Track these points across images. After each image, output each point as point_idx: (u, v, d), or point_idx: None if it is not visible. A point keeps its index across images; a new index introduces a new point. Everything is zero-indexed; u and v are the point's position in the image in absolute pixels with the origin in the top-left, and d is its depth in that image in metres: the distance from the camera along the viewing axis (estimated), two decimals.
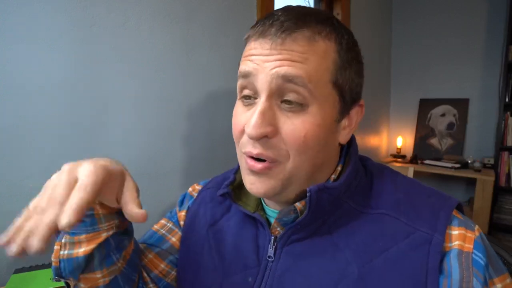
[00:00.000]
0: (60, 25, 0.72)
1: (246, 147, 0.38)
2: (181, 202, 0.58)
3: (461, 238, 0.36)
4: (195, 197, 0.57)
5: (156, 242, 0.54)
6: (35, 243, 0.26)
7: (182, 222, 0.55)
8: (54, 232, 0.27)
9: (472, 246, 0.35)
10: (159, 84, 0.92)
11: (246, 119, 0.37)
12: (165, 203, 0.95)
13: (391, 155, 2.64)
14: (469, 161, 2.23)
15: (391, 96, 2.75)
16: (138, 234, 0.62)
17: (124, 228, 0.44)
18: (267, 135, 0.36)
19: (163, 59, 0.92)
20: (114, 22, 0.81)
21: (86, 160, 0.33)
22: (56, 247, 0.40)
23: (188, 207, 0.56)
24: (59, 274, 0.40)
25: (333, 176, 0.42)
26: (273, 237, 0.42)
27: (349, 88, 0.39)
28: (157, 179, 0.94)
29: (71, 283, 0.42)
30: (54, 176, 0.31)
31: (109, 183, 0.33)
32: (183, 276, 0.51)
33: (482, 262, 0.34)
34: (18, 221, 0.28)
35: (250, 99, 0.38)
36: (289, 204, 0.40)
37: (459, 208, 0.40)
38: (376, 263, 0.36)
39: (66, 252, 0.40)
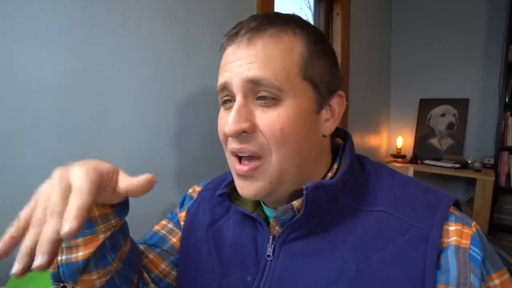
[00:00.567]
0: (60, 25, 0.72)
1: (230, 145, 0.40)
2: (182, 203, 0.59)
3: (458, 234, 0.36)
4: (195, 198, 0.57)
5: (157, 242, 0.54)
6: (41, 260, 0.25)
7: (182, 223, 0.55)
8: (59, 244, 0.26)
9: (469, 242, 0.35)
10: (159, 84, 0.92)
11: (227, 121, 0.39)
12: (165, 203, 0.95)
13: (391, 155, 2.64)
14: (469, 161, 2.23)
15: (391, 96, 2.75)
16: (139, 234, 0.62)
17: (119, 227, 0.44)
18: (246, 131, 0.37)
19: (163, 59, 0.92)
20: (114, 22, 0.81)
21: (76, 163, 0.31)
22: None
23: (188, 208, 0.56)
24: (58, 279, 0.40)
25: (330, 174, 0.43)
26: (271, 236, 0.42)
27: (322, 79, 0.40)
28: (157, 179, 0.93)
29: (69, 286, 0.42)
30: (45, 184, 0.30)
31: (104, 183, 0.32)
32: (183, 275, 0.51)
33: (479, 257, 0.34)
34: (10, 232, 0.27)
35: (230, 102, 0.41)
36: (287, 202, 0.40)
37: (457, 205, 0.40)
38: (373, 260, 0.36)
39: (64, 257, 0.39)
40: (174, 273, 0.53)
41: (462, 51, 2.36)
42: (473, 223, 0.37)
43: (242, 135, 0.38)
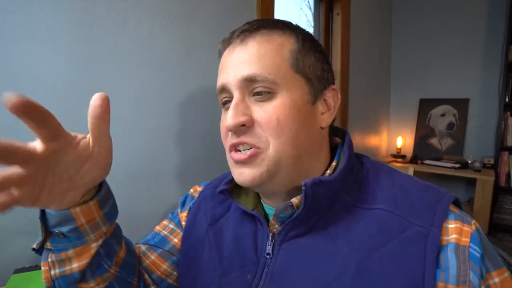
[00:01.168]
0: (60, 25, 0.72)
1: (230, 142, 0.41)
2: (183, 203, 0.59)
3: (457, 231, 0.36)
4: (196, 198, 0.57)
5: (158, 243, 0.54)
6: None
7: (183, 223, 0.55)
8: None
9: (468, 240, 0.35)
10: (159, 84, 0.92)
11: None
12: (166, 203, 0.95)
13: (391, 155, 2.64)
14: (469, 161, 2.23)
15: (391, 96, 2.75)
16: (139, 234, 0.62)
17: (111, 233, 0.43)
18: (244, 124, 0.39)
19: (163, 59, 0.92)
20: (114, 22, 0.81)
21: None
22: (44, 268, 0.39)
23: (189, 207, 0.56)
24: None
25: (328, 171, 0.43)
26: (271, 234, 0.42)
27: (314, 73, 0.42)
28: (157, 180, 0.93)
29: None
30: None
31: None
32: (184, 275, 0.51)
33: (478, 255, 0.34)
34: None
35: (229, 103, 0.42)
36: (286, 199, 0.41)
37: (457, 204, 0.40)
38: (373, 258, 0.36)
39: (57, 271, 0.39)
40: (175, 273, 0.53)
41: (462, 51, 2.36)
42: (473, 221, 0.37)
43: (241, 128, 0.39)
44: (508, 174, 2.13)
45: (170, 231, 0.56)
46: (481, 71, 2.31)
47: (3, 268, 0.68)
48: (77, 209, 0.37)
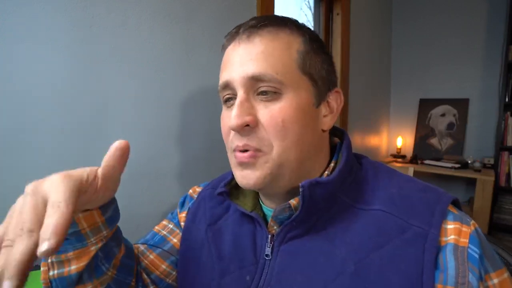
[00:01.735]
0: (60, 25, 0.72)
1: (233, 143, 0.40)
2: (182, 204, 0.59)
3: (456, 232, 0.36)
4: (195, 198, 0.57)
5: (158, 243, 0.54)
6: (8, 285, 0.22)
7: (182, 224, 0.55)
8: (29, 266, 0.23)
9: (467, 241, 0.35)
10: (159, 84, 0.92)
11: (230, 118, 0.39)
12: (166, 203, 0.95)
13: (391, 155, 2.64)
14: (469, 161, 2.23)
15: (391, 96, 2.75)
16: (139, 234, 0.62)
17: (111, 235, 0.42)
18: (248, 124, 0.38)
19: (163, 59, 0.92)
20: (114, 22, 0.81)
21: (50, 176, 0.28)
22: (43, 268, 0.39)
23: (189, 208, 0.56)
24: None
25: (327, 172, 0.43)
26: (269, 236, 0.42)
27: (320, 75, 0.41)
28: (157, 180, 0.93)
29: None
30: (19, 199, 0.27)
31: (83, 188, 0.29)
32: (183, 275, 0.51)
33: (477, 256, 0.34)
34: None
35: (231, 100, 0.41)
36: (285, 201, 0.40)
37: (456, 204, 0.40)
38: (372, 259, 0.36)
39: (56, 272, 0.39)
40: (174, 273, 0.53)
41: (462, 51, 2.36)
42: (472, 222, 0.37)
43: (245, 129, 0.38)
44: (508, 174, 2.13)
45: (170, 231, 0.56)
46: (481, 71, 2.31)
47: None
48: (80, 215, 0.36)
